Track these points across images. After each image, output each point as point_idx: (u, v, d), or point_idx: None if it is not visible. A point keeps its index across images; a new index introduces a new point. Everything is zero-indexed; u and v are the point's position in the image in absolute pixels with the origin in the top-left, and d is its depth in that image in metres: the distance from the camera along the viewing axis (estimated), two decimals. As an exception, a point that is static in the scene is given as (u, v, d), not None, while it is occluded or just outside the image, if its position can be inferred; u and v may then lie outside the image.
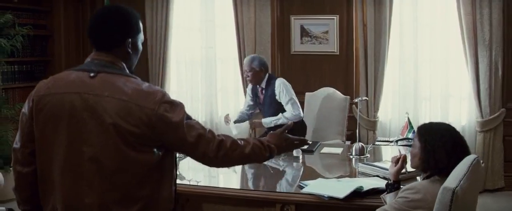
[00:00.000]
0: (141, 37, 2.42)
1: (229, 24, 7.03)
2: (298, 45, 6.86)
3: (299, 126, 5.48)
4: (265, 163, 4.50)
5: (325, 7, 6.68)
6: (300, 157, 4.47)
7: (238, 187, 3.90)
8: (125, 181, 2.21)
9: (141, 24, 2.42)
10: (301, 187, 3.53)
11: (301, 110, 5.54)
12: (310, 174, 4.14)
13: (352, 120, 6.23)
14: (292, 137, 2.62)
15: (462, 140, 2.95)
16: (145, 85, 2.28)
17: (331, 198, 3.28)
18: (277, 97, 5.50)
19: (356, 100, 5.13)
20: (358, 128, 5.05)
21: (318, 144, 5.05)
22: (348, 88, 6.60)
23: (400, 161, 3.19)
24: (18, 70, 7.05)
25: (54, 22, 7.47)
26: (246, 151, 2.40)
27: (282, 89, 5.47)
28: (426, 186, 2.81)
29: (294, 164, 4.42)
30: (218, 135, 2.35)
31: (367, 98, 5.61)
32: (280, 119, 5.46)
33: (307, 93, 6.30)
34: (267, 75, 5.63)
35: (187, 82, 7.44)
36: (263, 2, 6.82)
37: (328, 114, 5.96)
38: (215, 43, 7.23)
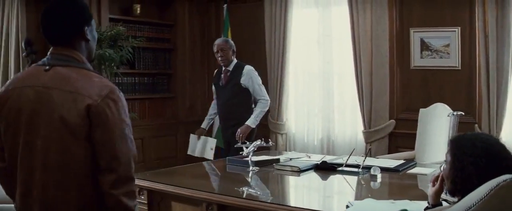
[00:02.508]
0: (93, 22, 2.39)
1: (346, 38, 6.77)
2: (418, 60, 6.41)
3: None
4: (342, 179, 4.25)
5: (446, 18, 6.17)
6: (379, 176, 4.10)
7: (290, 204, 3.64)
8: (69, 177, 2.18)
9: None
10: (347, 207, 3.23)
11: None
12: (371, 194, 3.79)
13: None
14: None
15: (503, 155, 2.35)
16: (97, 78, 2.24)
17: (368, 220, 2.96)
18: (242, 82, 5.78)
19: (449, 115, 4.65)
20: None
21: (413, 163, 4.65)
22: (470, 106, 6.02)
23: (438, 181, 2.68)
24: (139, 82, 7.32)
25: (178, 35, 7.71)
26: None
27: (252, 75, 5.82)
28: (445, 214, 2.37)
29: (371, 183, 4.08)
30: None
31: (463, 113, 5.06)
32: (259, 113, 5.80)
33: (421, 110, 5.84)
34: (235, 59, 5.93)
35: (304, 96, 7.29)
36: (380, 14, 6.48)
37: (436, 132, 5.48)
38: (332, 58, 7.00)
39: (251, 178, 4.24)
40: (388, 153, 6.28)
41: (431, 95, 6.27)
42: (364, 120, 6.66)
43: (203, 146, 6.02)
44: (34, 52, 6.21)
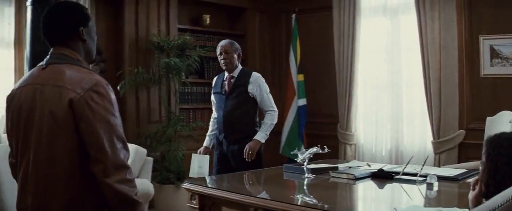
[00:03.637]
0: (91, 24, 2.50)
1: (414, 46, 6.67)
2: (488, 68, 6.24)
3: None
4: (397, 187, 4.19)
5: (515, 24, 6.00)
6: (435, 184, 4.00)
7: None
8: (56, 169, 2.26)
9: (89, 12, 2.52)
10: (393, 213, 3.19)
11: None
12: (425, 202, 3.72)
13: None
14: None
15: None
16: (87, 73, 2.34)
17: (413, 226, 2.90)
18: (250, 90, 5.24)
19: (511, 121, 4.49)
20: None
21: (475, 172, 4.51)
22: (542, 116, 5.81)
23: (478, 184, 2.49)
24: (208, 91, 7.44)
25: (248, 46, 7.76)
26: None
27: (260, 82, 5.26)
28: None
29: (427, 191, 3.99)
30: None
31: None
32: (269, 127, 5.24)
33: (487, 118, 5.67)
34: (240, 65, 5.39)
35: (373, 106, 7.22)
36: (448, 22, 6.36)
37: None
38: (400, 67, 6.93)
39: (304, 185, 4.22)
40: (458, 164, 6.12)
41: (501, 104, 6.06)
42: (433, 130, 6.53)
43: (199, 165, 5.31)
44: (103, 61, 6.37)
